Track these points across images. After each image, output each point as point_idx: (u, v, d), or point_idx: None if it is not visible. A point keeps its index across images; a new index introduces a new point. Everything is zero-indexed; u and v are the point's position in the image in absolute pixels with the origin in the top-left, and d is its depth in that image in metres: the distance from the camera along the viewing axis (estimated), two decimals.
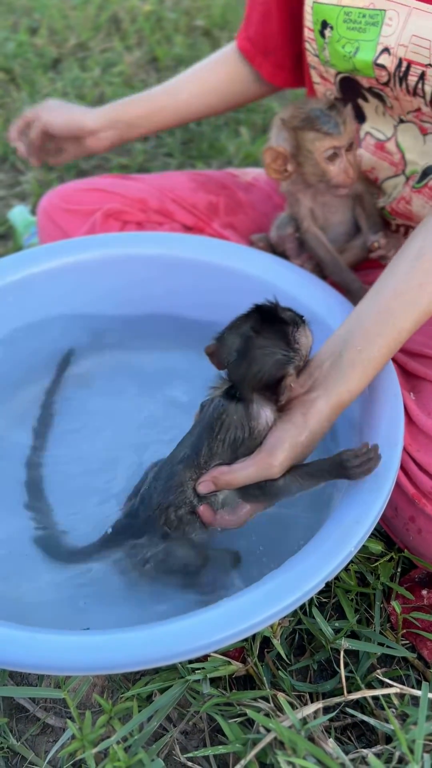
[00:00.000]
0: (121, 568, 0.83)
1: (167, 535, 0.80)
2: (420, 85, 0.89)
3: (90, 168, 1.77)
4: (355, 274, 1.05)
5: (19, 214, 1.54)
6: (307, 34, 0.99)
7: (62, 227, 1.13)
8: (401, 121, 0.99)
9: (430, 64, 0.87)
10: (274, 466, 0.74)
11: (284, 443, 0.74)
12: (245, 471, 0.75)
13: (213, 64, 1.18)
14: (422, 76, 0.88)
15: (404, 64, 0.89)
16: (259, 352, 0.74)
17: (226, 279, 1.04)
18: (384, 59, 0.91)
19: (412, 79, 0.89)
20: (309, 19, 0.98)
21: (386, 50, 0.90)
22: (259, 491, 0.77)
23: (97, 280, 1.05)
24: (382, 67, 0.91)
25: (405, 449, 0.83)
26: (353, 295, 1.01)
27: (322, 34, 0.96)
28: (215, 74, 1.18)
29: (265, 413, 0.76)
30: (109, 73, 2.11)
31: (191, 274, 1.05)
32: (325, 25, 0.96)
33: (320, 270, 1.07)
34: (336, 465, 0.75)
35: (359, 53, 0.93)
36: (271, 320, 0.75)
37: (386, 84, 0.93)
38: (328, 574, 0.68)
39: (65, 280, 1.04)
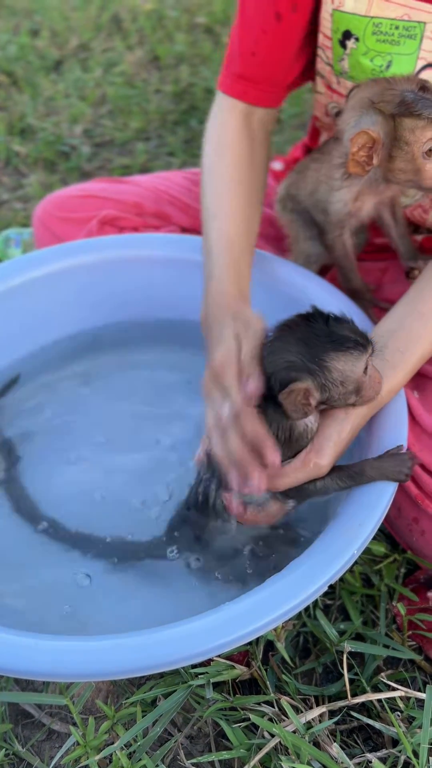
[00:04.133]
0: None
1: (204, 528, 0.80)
2: None
3: (92, 169, 1.76)
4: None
5: None
6: (322, 40, 0.93)
7: (58, 235, 1.12)
8: None
9: None
10: (324, 466, 0.73)
11: (330, 441, 0.74)
12: (294, 474, 0.73)
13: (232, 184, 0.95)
14: None
15: None
16: (278, 346, 0.71)
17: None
18: (428, 75, 0.85)
19: None
20: (326, 26, 0.91)
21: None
22: (295, 490, 0.75)
23: (96, 283, 1.05)
24: None
25: (408, 449, 0.82)
26: (360, 298, 0.99)
27: (343, 44, 0.90)
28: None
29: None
30: (110, 73, 2.11)
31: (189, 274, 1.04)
32: (348, 35, 0.89)
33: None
34: (383, 469, 0.74)
35: (393, 67, 0.87)
36: (318, 329, 0.70)
37: None
38: (331, 577, 0.67)
39: (64, 284, 1.04)
